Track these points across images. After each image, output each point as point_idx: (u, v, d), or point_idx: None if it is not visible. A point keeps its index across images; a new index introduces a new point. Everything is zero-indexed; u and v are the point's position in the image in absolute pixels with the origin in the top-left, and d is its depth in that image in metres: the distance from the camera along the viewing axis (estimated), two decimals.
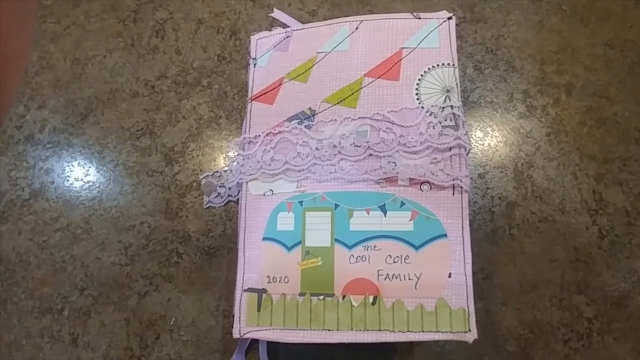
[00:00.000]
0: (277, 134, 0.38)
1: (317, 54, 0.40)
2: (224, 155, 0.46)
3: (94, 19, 0.51)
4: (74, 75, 0.50)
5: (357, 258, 0.35)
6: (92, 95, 0.49)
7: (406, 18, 0.38)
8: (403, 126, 0.36)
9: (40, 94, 0.49)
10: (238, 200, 0.41)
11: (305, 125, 0.38)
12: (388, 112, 0.36)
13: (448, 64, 0.37)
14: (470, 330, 0.32)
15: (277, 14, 0.47)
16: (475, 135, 0.44)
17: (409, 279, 0.34)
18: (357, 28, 0.39)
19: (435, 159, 0.35)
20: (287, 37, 0.41)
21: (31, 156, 0.48)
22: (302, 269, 0.36)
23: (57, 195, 0.46)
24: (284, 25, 0.46)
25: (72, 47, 0.51)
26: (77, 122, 0.48)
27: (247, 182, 0.38)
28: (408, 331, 0.33)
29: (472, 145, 0.44)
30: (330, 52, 0.39)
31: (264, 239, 0.37)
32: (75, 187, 0.46)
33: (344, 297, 0.34)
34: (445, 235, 0.34)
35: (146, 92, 0.48)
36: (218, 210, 0.44)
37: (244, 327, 0.35)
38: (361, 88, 0.37)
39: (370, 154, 0.36)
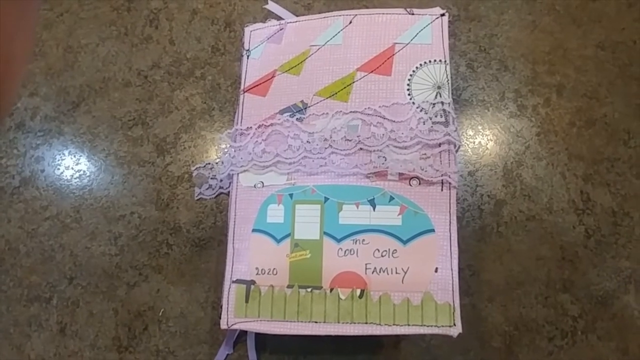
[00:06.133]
0: (268, 126, 0.38)
1: (310, 47, 0.40)
2: (216, 147, 0.46)
3: (87, 6, 0.51)
4: (66, 63, 0.49)
5: (345, 251, 0.35)
6: (84, 83, 0.49)
7: (399, 14, 0.39)
8: (394, 121, 0.36)
9: (32, 81, 0.49)
10: (229, 192, 0.41)
11: (297, 118, 0.38)
12: (379, 106, 0.36)
13: (440, 60, 0.37)
14: (455, 325, 0.33)
15: (272, 6, 0.47)
16: (466, 133, 0.44)
17: (396, 273, 0.34)
18: (350, 22, 0.39)
19: (425, 154, 0.35)
20: (280, 30, 0.41)
21: (22, 144, 0.47)
22: (291, 262, 0.36)
23: (47, 183, 0.46)
24: (279, 18, 0.46)
25: (64, 35, 0.50)
26: (68, 110, 0.48)
27: (237, 174, 0.38)
28: (394, 324, 0.33)
29: (463, 143, 0.44)
30: (323, 45, 0.39)
31: (253, 230, 0.37)
32: (66, 175, 0.46)
33: (331, 289, 0.35)
34: (433, 231, 0.34)
35: (139, 82, 0.48)
36: (209, 202, 0.44)
37: (231, 318, 0.35)
38: (353, 82, 0.38)
39: (361, 148, 0.36)
